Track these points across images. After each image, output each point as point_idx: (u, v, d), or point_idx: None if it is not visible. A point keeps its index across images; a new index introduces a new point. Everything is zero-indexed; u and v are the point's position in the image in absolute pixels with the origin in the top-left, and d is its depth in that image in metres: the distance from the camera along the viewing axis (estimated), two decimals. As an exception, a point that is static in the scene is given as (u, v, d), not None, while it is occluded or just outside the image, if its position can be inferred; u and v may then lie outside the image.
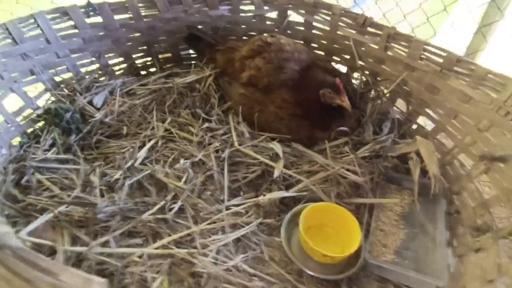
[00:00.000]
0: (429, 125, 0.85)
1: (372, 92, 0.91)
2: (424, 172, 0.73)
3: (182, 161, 0.67)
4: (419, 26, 1.36)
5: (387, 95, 0.88)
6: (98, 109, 0.81)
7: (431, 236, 0.65)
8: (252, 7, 1.01)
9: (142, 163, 0.71)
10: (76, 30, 0.88)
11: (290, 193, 0.67)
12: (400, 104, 0.90)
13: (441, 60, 0.76)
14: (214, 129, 0.79)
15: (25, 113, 0.77)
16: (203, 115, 0.82)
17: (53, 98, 0.82)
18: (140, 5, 0.94)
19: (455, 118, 0.75)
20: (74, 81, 0.86)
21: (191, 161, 0.68)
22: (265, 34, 0.88)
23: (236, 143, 0.73)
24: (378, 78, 0.91)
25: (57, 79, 0.86)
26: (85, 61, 0.92)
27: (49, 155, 0.69)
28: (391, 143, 0.79)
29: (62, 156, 0.70)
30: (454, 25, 1.56)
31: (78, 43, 0.89)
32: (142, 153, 0.73)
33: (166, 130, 0.79)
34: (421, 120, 0.86)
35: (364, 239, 0.61)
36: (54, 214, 0.56)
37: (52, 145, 0.73)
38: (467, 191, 0.68)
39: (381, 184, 0.74)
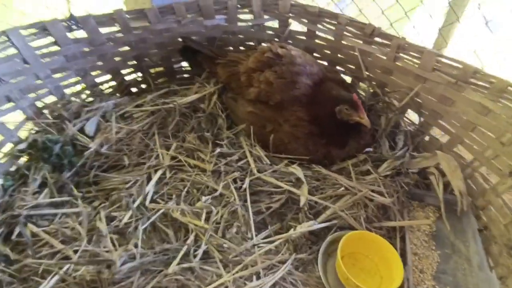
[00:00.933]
0: (438, 135, 0.85)
1: (380, 104, 0.89)
2: (445, 186, 0.72)
3: (203, 198, 0.60)
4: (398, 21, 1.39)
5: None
6: (91, 138, 0.72)
7: (465, 257, 0.64)
8: (250, 16, 0.94)
9: (152, 200, 0.63)
10: (58, 47, 0.77)
11: (321, 224, 0.62)
12: (410, 114, 0.89)
13: (455, 72, 0.75)
14: (226, 154, 0.72)
15: (5, 149, 0.66)
16: (211, 139, 0.75)
17: (37, 128, 0.71)
18: (129, 16, 0.84)
19: (473, 131, 0.74)
20: (59, 106, 0.75)
21: (212, 196, 0.61)
22: (273, 44, 0.82)
23: (255, 170, 0.67)
24: (386, 89, 0.88)
25: (39, 104, 0.75)
26: (69, 81, 0.81)
27: (41, 199, 0.59)
28: (409, 158, 0.77)
29: (57, 198, 0.60)
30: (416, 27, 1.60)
31: (60, 61, 0.78)
32: (150, 188, 0.64)
33: (172, 158, 0.71)
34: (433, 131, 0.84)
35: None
36: (60, 276, 0.47)
37: (43, 185, 0.63)
38: (494, 206, 0.67)
39: (405, 203, 0.71)
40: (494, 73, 0.70)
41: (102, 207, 0.60)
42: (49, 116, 0.73)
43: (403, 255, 0.62)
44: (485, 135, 0.71)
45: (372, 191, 0.68)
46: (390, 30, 1.37)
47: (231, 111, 0.83)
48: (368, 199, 0.68)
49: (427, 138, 0.85)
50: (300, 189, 0.66)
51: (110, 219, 0.59)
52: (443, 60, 0.77)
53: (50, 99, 0.77)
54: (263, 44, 0.91)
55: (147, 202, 0.61)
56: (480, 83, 0.71)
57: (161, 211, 0.60)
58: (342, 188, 0.68)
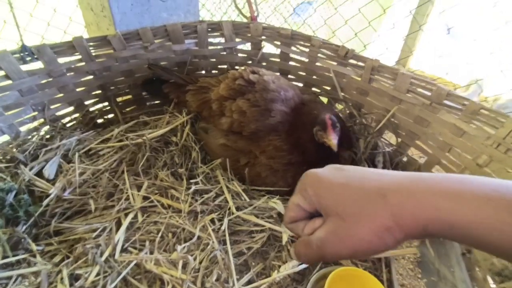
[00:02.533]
0: (415, 156, 0.85)
1: (357, 126, 0.88)
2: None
3: (179, 247, 0.55)
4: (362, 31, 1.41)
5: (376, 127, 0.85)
6: (51, 182, 0.65)
7: (452, 284, 0.63)
8: (221, 39, 0.91)
9: (123, 249, 0.57)
10: (9, 81, 0.70)
11: (305, 264, 0.59)
12: (387, 135, 0.88)
13: (429, 94, 0.75)
14: (202, 191, 0.67)
15: None
16: (185, 175, 0.70)
17: (-14, 175, 0.63)
18: (91, 44, 0.79)
19: (449, 152, 0.74)
20: (13, 147, 0.68)
21: (190, 244, 0.56)
22: (245, 69, 0.79)
23: (233, 209, 0.63)
24: (363, 110, 0.88)
25: (-12, 147, 0.67)
26: (24, 117, 0.73)
27: (-8, 261, 0.52)
28: (389, 181, 0.76)
29: (11, 258, 0.53)
30: (381, 36, 1.65)
31: (13, 96, 0.71)
32: (120, 235, 0.59)
33: (144, 198, 0.66)
34: (410, 152, 0.85)
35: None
36: None
37: (-6, 243, 0.56)
38: (475, 229, 0.67)
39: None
40: (459, 78, 0.71)
41: (65, 264, 0.54)
42: (1, 160, 0.65)
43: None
44: (462, 156, 0.72)
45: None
46: (355, 40, 1.39)
47: (203, 143, 0.79)
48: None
49: (405, 159, 0.84)
50: (282, 225, 0.63)
51: (74, 277, 0.53)
52: (417, 82, 0.77)
53: (3, 138, 0.70)
54: (235, 68, 0.87)
55: (116, 254, 0.55)
56: (454, 105, 0.72)
57: (133, 263, 0.54)
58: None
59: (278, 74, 0.83)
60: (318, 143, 0.68)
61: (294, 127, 0.73)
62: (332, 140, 0.64)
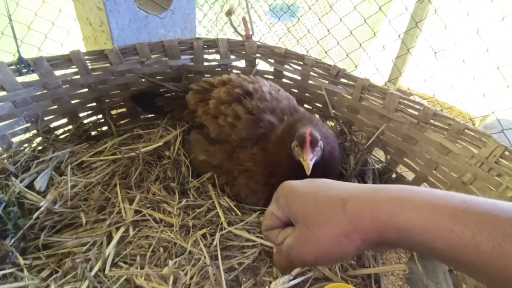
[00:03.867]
0: (403, 172, 0.87)
1: (347, 142, 0.90)
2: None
3: (170, 263, 0.55)
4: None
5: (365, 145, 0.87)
6: (42, 194, 0.64)
7: (439, 301, 0.64)
8: (217, 56, 0.94)
9: (113, 264, 0.57)
10: (4, 93, 0.70)
11: (296, 279, 0.59)
12: (376, 152, 0.91)
13: (417, 113, 0.78)
14: (194, 205, 0.68)
15: None
16: (177, 189, 0.70)
17: (-25, 186, 0.63)
18: (88, 57, 0.80)
19: (436, 169, 0.77)
20: (4, 158, 0.68)
21: (181, 259, 0.56)
22: (245, 79, 0.79)
23: (225, 224, 0.63)
24: (353, 127, 0.90)
25: (-21, 158, 0.67)
26: (17, 128, 0.73)
27: (-22, 275, 0.51)
28: (378, 197, 0.78)
29: (-2, 272, 0.52)
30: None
31: (7, 107, 0.71)
32: (110, 250, 0.58)
33: (136, 211, 0.66)
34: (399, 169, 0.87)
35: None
36: None
37: (-20, 256, 0.55)
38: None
39: (378, 245, 0.71)
40: (444, 98, 0.73)
41: (53, 279, 0.53)
42: (-8, 171, 0.65)
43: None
44: (447, 174, 0.74)
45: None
46: (347, 60, 1.43)
47: (191, 157, 0.78)
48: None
49: (394, 175, 0.87)
50: None
51: (62, 292, 0.52)
52: (405, 101, 0.80)
53: (-6, 150, 0.69)
54: (237, 74, 0.84)
55: (106, 268, 0.55)
56: (440, 124, 0.75)
57: (123, 278, 0.54)
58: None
59: (277, 86, 0.82)
60: (293, 160, 0.60)
61: (278, 139, 0.67)
62: (308, 160, 0.55)
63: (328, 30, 1.23)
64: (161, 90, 0.88)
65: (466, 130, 0.70)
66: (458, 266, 0.29)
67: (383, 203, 0.30)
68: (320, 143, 0.58)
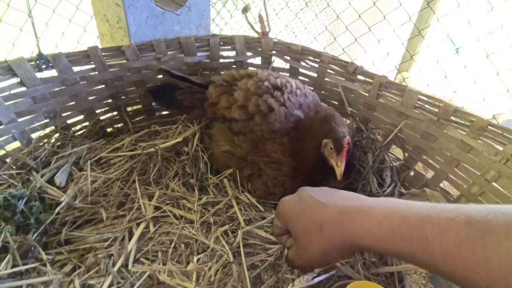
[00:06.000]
0: (422, 170, 0.86)
1: (364, 140, 0.89)
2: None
3: (194, 258, 0.54)
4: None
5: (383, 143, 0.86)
6: (62, 189, 0.64)
7: (464, 300, 0.63)
8: (232, 53, 0.93)
9: (135, 260, 0.56)
10: (24, 88, 0.70)
11: (319, 276, 0.58)
12: (393, 150, 0.90)
13: (437, 110, 0.77)
14: (214, 202, 0.67)
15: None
16: (197, 185, 0.70)
17: (-3, 181, 0.63)
18: (105, 53, 0.80)
19: (457, 167, 0.75)
20: (25, 154, 0.68)
21: (204, 255, 0.56)
22: (270, 73, 0.77)
23: (243, 223, 0.63)
24: (370, 125, 0.89)
25: (0, 152, 0.67)
26: (36, 124, 0.73)
27: (2, 270, 0.51)
28: (398, 195, 0.77)
29: (21, 267, 0.52)
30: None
31: (27, 103, 0.71)
32: (132, 245, 0.58)
33: (156, 208, 0.65)
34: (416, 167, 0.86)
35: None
36: None
37: (3, 251, 0.54)
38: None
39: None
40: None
41: (77, 274, 0.53)
42: (13, 166, 0.65)
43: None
44: (470, 172, 0.73)
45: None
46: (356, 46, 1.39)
47: (209, 152, 0.77)
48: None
49: (412, 173, 0.86)
50: None
51: (86, 287, 0.51)
52: (424, 98, 0.79)
53: (14, 145, 0.69)
54: (259, 70, 0.80)
55: (129, 264, 0.55)
56: (461, 121, 0.74)
57: (146, 274, 0.53)
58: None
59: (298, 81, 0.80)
60: (320, 154, 0.65)
61: (309, 131, 0.68)
62: (342, 167, 0.61)
63: (337, 15, 1.22)
64: (180, 86, 0.86)
65: (489, 127, 0.69)
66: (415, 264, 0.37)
67: (351, 222, 0.40)
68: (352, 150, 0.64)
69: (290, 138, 0.70)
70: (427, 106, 0.79)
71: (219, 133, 0.77)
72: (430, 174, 0.82)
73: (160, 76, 0.88)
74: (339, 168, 0.61)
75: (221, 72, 0.83)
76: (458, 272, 0.32)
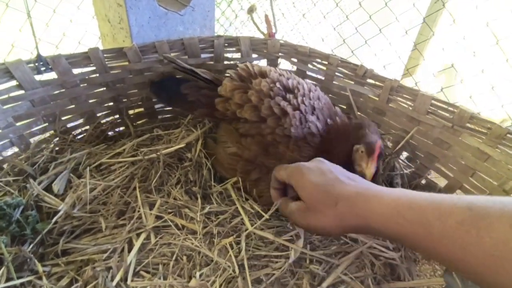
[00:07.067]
0: (434, 178, 0.82)
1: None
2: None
3: (197, 273, 0.52)
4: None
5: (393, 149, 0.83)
6: (60, 197, 0.62)
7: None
8: (237, 55, 0.90)
9: (134, 273, 0.54)
10: (22, 91, 0.68)
11: (327, 291, 0.56)
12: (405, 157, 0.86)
13: (451, 116, 0.73)
14: (218, 212, 0.64)
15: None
16: (199, 193, 0.67)
17: (-7, 188, 0.60)
18: (106, 55, 0.77)
19: (473, 176, 0.72)
20: (22, 159, 0.65)
21: (209, 268, 0.53)
22: (281, 73, 0.73)
23: (249, 225, 0.60)
24: (380, 130, 0.86)
25: (-3, 158, 0.64)
26: (35, 128, 0.71)
27: (-4, 283, 0.48)
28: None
29: (16, 281, 0.50)
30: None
31: (25, 107, 0.68)
32: (132, 258, 0.55)
33: (157, 217, 0.63)
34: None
35: None
36: None
37: (-3, 262, 0.52)
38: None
39: (411, 256, 0.67)
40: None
41: (75, 287, 0.50)
42: (9, 173, 0.62)
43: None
44: (486, 182, 0.69)
45: (378, 245, 0.64)
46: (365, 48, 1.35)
47: (213, 157, 0.74)
48: (374, 256, 0.62)
49: (423, 181, 0.82)
50: (298, 242, 0.59)
51: (83, 303, 0.49)
52: (438, 103, 0.75)
53: (11, 150, 0.67)
54: (271, 69, 0.75)
55: (128, 278, 0.52)
56: (477, 128, 0.70)
57: (146, 289, 0.51)
58: (348, 244, 0.63)
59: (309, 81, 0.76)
60: (348, 160, 0.62)
61: (341, 135, 0.66)
62: (371, 170, 0.59)
63: (346, 16, 1.18)
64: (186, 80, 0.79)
65: (508, 135, 0.66)
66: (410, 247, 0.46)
67: (362, 204, 0.42)
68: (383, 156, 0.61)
69: (310, 141, 0.66)
70: (441, 112, 0.75)
71: (226, 134, 0.73)
72: (443, 183, 0.79)
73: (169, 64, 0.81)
74: (369, 171, 0.59)
75: (238, 64, 0.78)
76: (452, 253, 0.33)
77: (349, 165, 0.61)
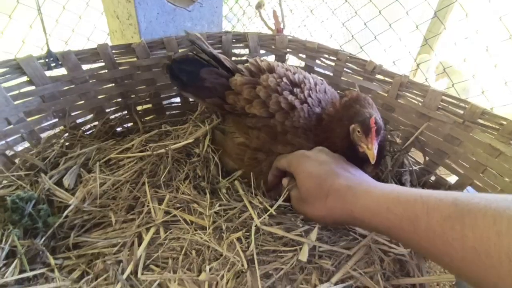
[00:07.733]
0: (443, 174, 0.82)
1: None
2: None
3: (207, 267, 0.52)
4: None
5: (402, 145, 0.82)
6: (70, 192, 0.63)
7: (492, 315, 0.59)
8: (245, 51, 0.90)
9: (144, 266, 0.54)
10: (33, 87, 0.68)
11: (336, 286, 0.55)
12: (412, 153, 0.86)
13: (462, 112, 0.72)
14: (226, 207, 0.64)
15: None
16: (208, 188, 0.67)
17: (5, 182, 0.61)
18: (115, 51, 0.78)
19: (484, 173, 0.71)
20: (33, 154, 0.66)
21: (218, 263, 0.53)
22: (287, 68, 0.72)
23: (257, 221, 0.60)
24: (388, 126, 0.85)
25: (8, 153, 0.65)
26: (45, 124, 0.72)
27: (9, 276, 0.49)
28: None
29: (29, 273, 0.50)
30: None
31: (35, 102, 0.69)
32: (141, 252, 0.56)
33: (166, 212, 0.63)
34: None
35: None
36: None
37: (11, 255, 0.53)
38: None
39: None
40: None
41: (85, 281, 0.51)
42: (21, 167, 0.63)
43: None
44: (498, 178, 0.68)
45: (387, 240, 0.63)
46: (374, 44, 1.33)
47: (220, 150, 0.73)
48: (383, 252, 0.62)
49: (433, 178, 0.81)
50: (309, 237, 0.59)
51: (95, 295, 0.50)
52: (448, 99, 0.74)
53: (22, 145, 0.68)
54: (277, 64, 0.74)
55: (139, 272, 0.52)
56: (489, 124, 0.69)
57: (156, 283, 0.51)
58: (357, 240, 0.62)
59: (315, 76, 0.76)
60: (349, 142, 0.59)
61: (334, 119, 0.64)
62: (373, 149, 0.54)
63: (355, 12, 1.17)
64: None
65: (521, 131, 0.65)
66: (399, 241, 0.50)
67: (349, 197, 0.45)
68: (382, 132, 0.58)
69: (315, 130, 0.65)
70: (452, 108, 0.74)
71: (234, 125, 0.72)
72: (453, 179, 0.78)
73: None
74: (371, 151, 0.54)
75: (248, 59, 0.77)
76: (437, 247, 0.34)
77: (352, 149, 0.59)
